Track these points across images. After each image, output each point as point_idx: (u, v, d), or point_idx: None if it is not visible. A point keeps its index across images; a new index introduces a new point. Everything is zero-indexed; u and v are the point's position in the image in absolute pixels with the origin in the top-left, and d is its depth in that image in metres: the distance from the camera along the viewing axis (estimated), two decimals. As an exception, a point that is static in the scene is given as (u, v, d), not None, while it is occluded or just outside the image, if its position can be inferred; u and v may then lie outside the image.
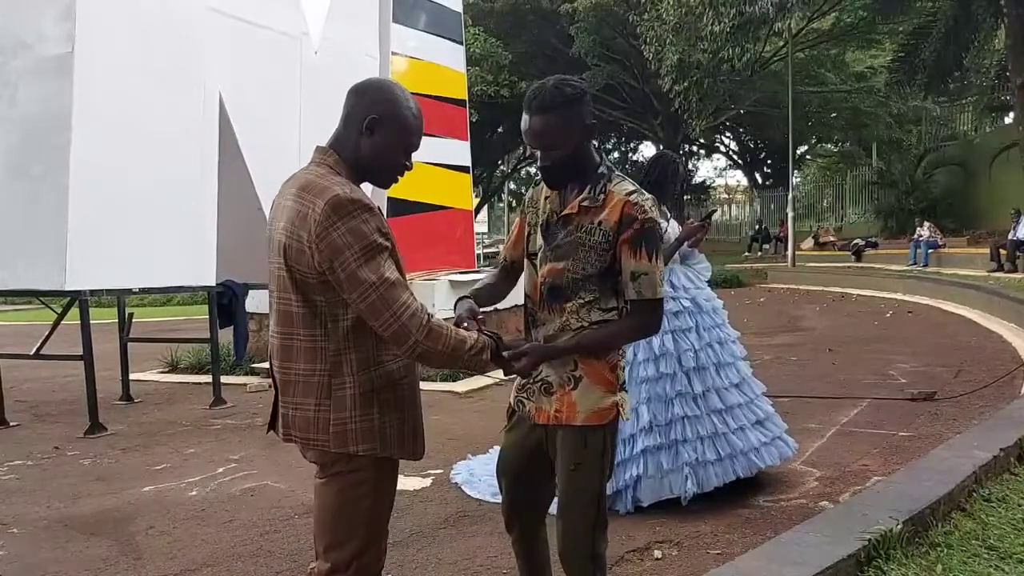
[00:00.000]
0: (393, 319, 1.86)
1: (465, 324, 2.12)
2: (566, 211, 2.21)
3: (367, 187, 2.08)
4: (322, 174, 1.95)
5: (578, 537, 2.22)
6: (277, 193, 2.06)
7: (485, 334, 2.06)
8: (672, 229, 4.22)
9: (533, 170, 30.29)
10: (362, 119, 1.98)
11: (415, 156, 2.11)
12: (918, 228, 18.89)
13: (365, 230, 1.86)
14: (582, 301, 2.20)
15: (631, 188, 2.19)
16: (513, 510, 2.45)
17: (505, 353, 2.09)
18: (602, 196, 2.17)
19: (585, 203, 2.18)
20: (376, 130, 1.99)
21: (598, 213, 2.16)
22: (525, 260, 2.37)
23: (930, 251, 17.76)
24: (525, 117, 2.18)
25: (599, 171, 2.22)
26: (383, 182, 2.10)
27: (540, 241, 2.29)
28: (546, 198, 2.31)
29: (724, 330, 4.23)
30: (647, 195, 2.19)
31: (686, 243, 4.24)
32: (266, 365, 8.45)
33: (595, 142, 2.30)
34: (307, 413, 1.96)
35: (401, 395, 2.02)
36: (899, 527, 3.14)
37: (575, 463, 2.19)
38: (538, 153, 2.21)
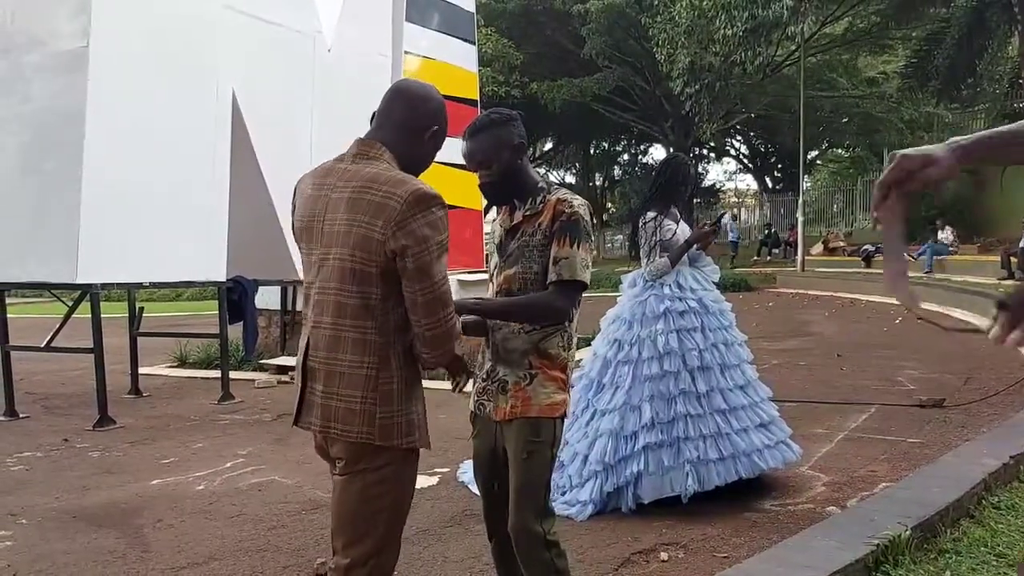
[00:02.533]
0: (444, 320, 1.95)
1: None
2: (513, 223, 2.45)
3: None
4: (387, 167, 2.01)
5: (529, 527, 2.32)
6: (309, 185, 2.06)
7: None
8: (682, 231, 4.22)
9: (542, 171, 30.28)
10: (427, 127, 2.09)
11: None
12: (939, 232, 18.78)
13: (441, 226, 1.94)
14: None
15: (564, 192, 2.43)
16: (491, 514, 2.54)
17: None
18: (541, 205, 2.40)
19: (528, 213, 2.41)
20: (435, 140, 2.11)
21: (538, 218, 2.39)
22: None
23: (936, 257, 17.68)
24: (462, 145, 2.43)
25: (539, 186, 2.44)
26: None
27: (496, 258, 2.51)
28: (500, 224, 2.53)
29: (731, 332, 4.23)
30: (578, 197, 2.42)
31: (695, 246, 4.24)
32: (275, 361, 8.49)
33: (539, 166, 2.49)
34: (352, 405, 1.96)
35: (421, 387, 2.09)
36: (908, 533, 3.13)
37: (528, 451, 2.33)
38: (479, 173, 2.44)
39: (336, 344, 1.99)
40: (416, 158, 2.10)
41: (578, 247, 2.33)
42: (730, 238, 26.65)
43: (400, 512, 2.06)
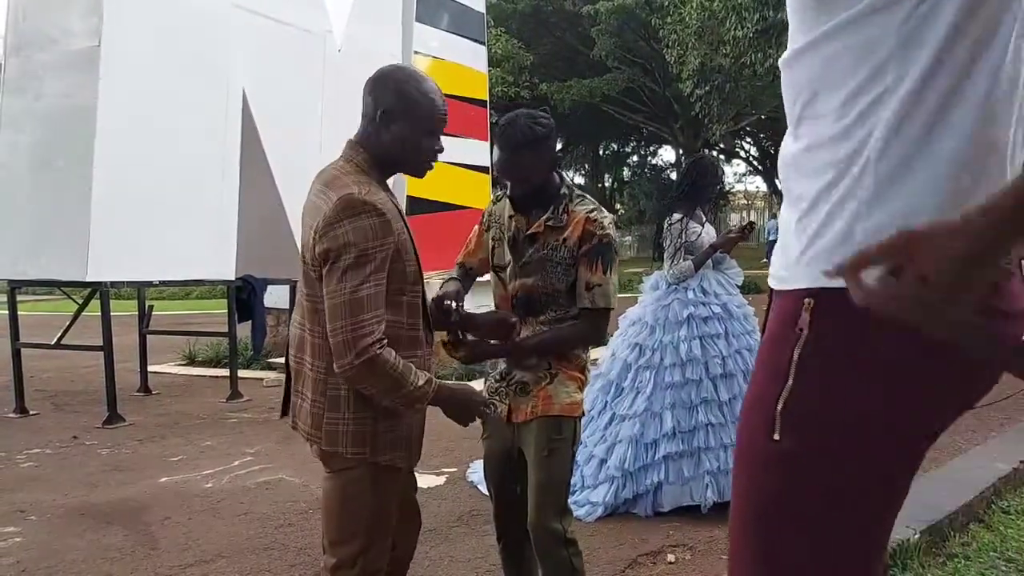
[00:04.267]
0: (343, 331, 1.82)
1: (447, 303, 2.25)
2: (532, 230, 2.37)
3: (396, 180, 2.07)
4: (348, 171, 1.95)
5: (548, 525, 2.32)
6: (310, 188, 2.06)
7: (460, 315, 2.26)
8: (707, 234, 4.18)
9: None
10: (374, 114, 1.98)
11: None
12: None
13: (368, 235, 1.83)
14: (552, 315, 2.36)
15: (591, 207, 2.36)
16: (502, 516, 2.55)
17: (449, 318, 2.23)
18: (565, 216, 2.34)
19: (550, 223, 2.34)
20: (391, 122, 1.97)
21: (562, 232, 2.33)
22: (491, 273, 2.52)
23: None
24: (497, 152, 2.35)
25: (561, 192, 2.38)
26: (415, 171, 2.09)
27: (508, 256, 2.43)
28: (511, 216, 2.46)
29: (754, 337, 4.15)
30: (606, 213, 2.37)
31: (719, 251, 4.19)
32: (283, 360, 8.49)
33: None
34: (307, 406, 1.99)
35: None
36: (916, 537, 3.11)
37: (549, 449, 2.33)
38: (508, 182, 2.42)
39: (302, 345, 2.01)
40: (387, 149, 1.99)
41: (611, 273, 2.31)
42: (770, 238, 26.54)
43: (384, 513, 2.03)
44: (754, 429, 1.12)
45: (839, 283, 0.95)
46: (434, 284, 2.46)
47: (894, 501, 1.11)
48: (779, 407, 1.06)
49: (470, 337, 2.31)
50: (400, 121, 1.97)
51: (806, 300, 1.05)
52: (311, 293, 1.95)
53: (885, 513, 1.12)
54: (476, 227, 2.62)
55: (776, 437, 1.07)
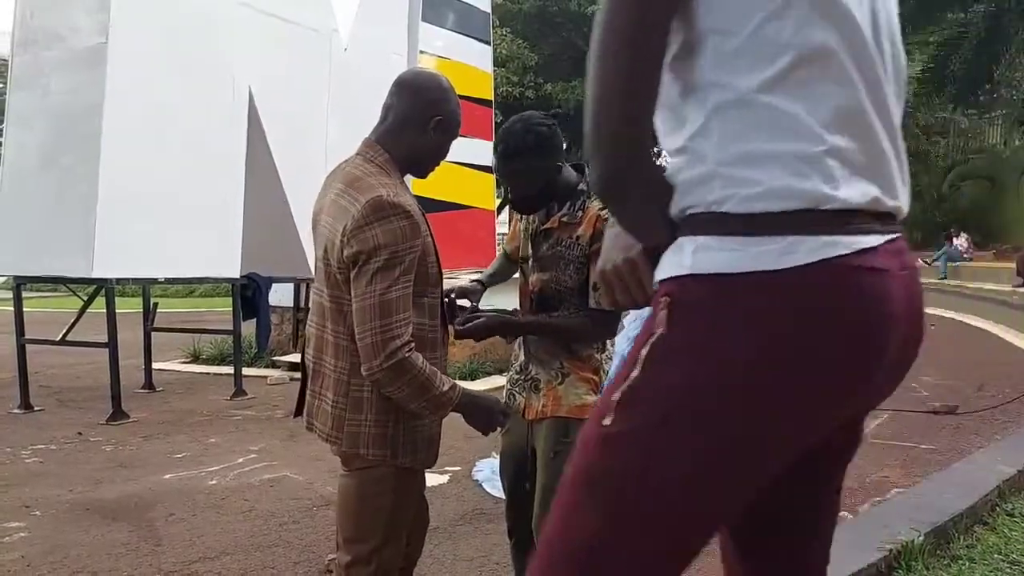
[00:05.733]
0: (371, 333, 1.82)
1: (461, 300, 2.27)
2: (547, 225, 2.33)
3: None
4: (371, 172, 1.94)
5: None
6: (322, 186, 2.07)
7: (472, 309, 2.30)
8: None
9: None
10: (426, 119, 1.99)
11: None
12: (954, 239, 18.72)
13: (398, 236, 1.84)
14: (565, 314, 2.33)
15: None
16: (513, 514, 2.53)
17: (459, 315, 2.24)
18: (580, 212, 2.28)
19: (565, 219, 2.30)
20: (438, 130, 2.01)
21: (576, 228, 2.28)
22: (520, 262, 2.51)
23: (951, 264, 17.60)
24: (494, 159, 2.30)
25: (579, 188, 2.32)
26: (427, 174, 2.12)
27: (529, 250, 2.41)
28: (537, 218, 2.43)
29: None
30: None
31: None
32: (287, 358, 8.52)
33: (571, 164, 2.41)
34: (327, 407, 1.98)
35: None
36: (921, 539, 3.11)
37: (555, 451, 2.29)
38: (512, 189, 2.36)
39: (321, 345, 2.00)
40: (421, 152, 2.03)
41: None
42: None
43: (401, 513, 2.03)
44: (592, 416, 1.14)
45: (682, 270, 1.04)
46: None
47: (709, 506, 1.10)
48: (616, 396, 1.07)
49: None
50: (444, 130, 2.02)
51: (663, 299, 1.06)
52: (335, 294, 1.93)
53: (696, 515, 1.10)
54: (516, 216, 2.61)
55: (606, 422, 1.08)
